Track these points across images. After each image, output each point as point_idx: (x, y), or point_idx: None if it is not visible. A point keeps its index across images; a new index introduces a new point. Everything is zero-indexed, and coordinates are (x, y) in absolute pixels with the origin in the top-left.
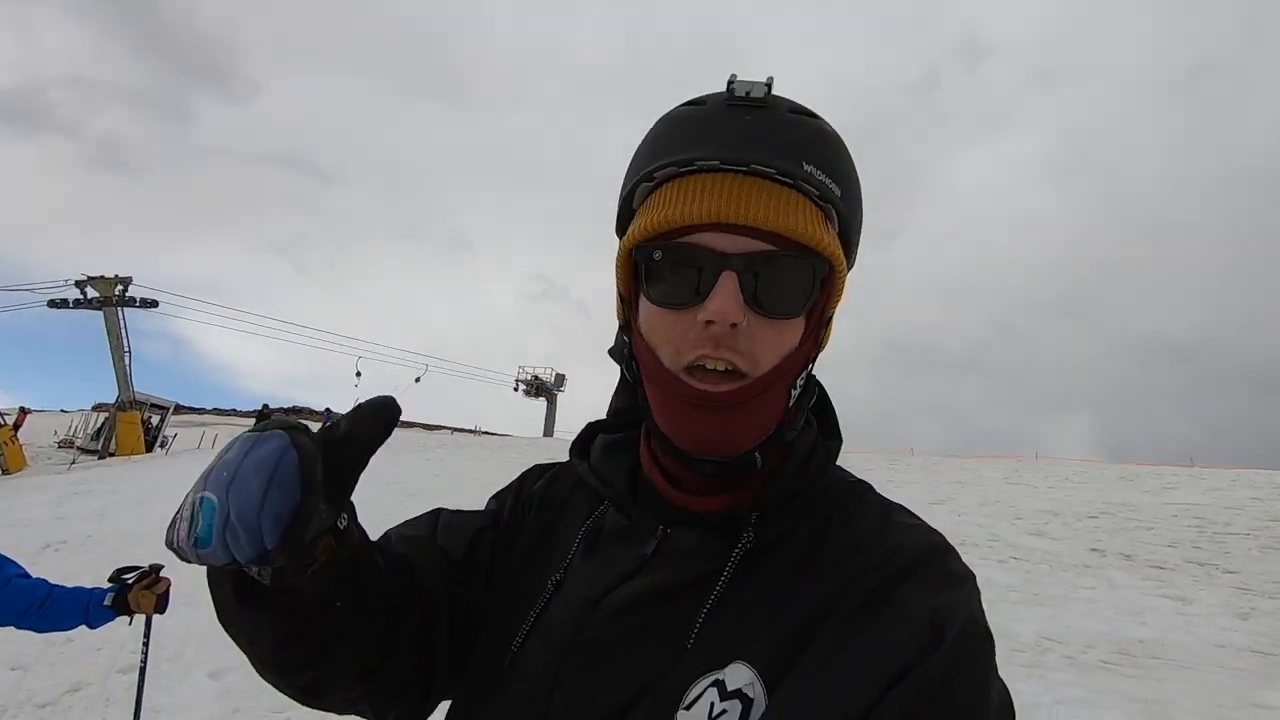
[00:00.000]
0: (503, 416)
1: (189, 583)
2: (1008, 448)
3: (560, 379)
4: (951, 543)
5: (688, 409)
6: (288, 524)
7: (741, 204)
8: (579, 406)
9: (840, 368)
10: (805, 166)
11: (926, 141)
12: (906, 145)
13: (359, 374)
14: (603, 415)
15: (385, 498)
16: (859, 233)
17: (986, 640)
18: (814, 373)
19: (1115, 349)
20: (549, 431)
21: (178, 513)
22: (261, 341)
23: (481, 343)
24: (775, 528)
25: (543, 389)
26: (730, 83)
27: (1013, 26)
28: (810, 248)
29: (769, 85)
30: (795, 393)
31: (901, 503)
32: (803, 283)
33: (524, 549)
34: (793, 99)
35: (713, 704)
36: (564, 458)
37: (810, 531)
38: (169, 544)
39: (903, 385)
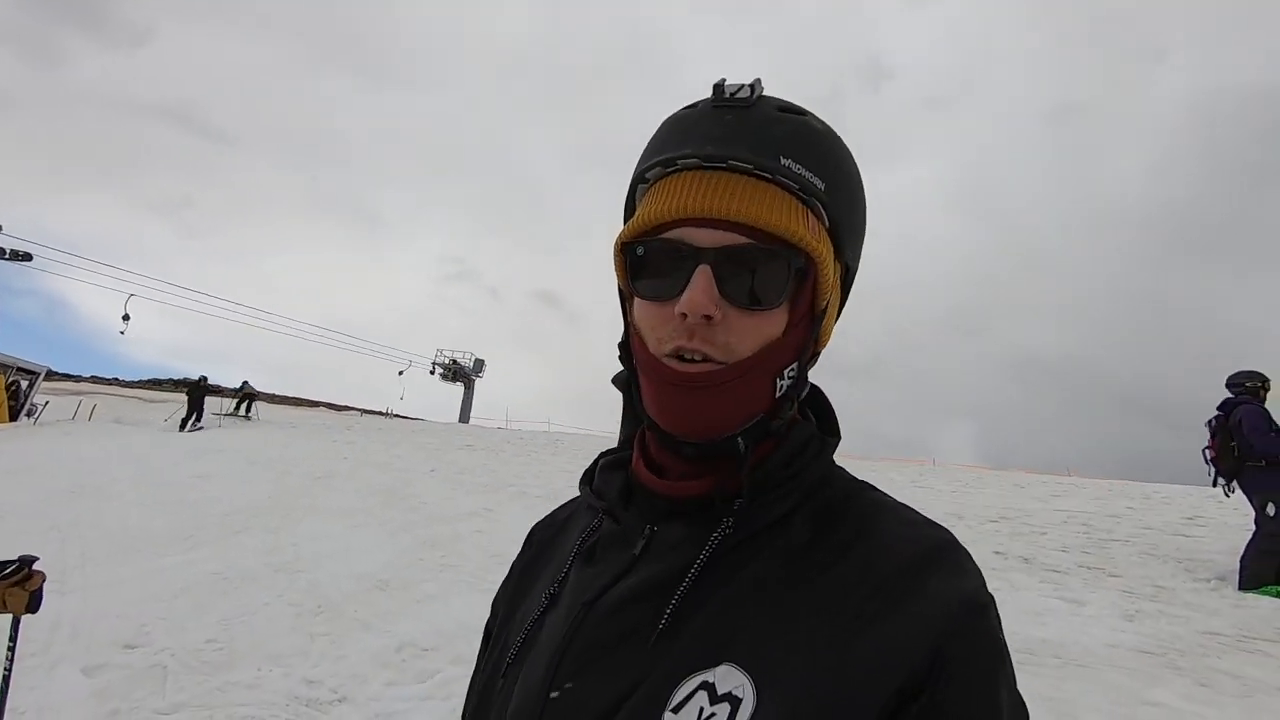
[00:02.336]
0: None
1: (56, 569)
2: (904, 452)
3: (479, 364)
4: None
5: (670, 389)
6: None
7: (717, 198)
8: (495, 394)
9: None
10: (783, 160)
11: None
12: None
13: (127, 317)
14: (516, 403)
15: (290, 481)
16: (857, 229)
17: (998, 648)
18: (810, 368)
19: (995, 363)
20: (465, 418)
21: None
22: (149, 306)
23: (392, 322)
24: (761, 515)
25: (460, 373)
26: (717, 85)
27: (909, 55)
28: (786, 240)
29: (753, 86)
30: (783, 383)
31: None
32: (776, 275)
33: (517, 579)
34: (785, 99)
35: (702, 709)
36: (481, 444)
37: (807, 524)
38: None
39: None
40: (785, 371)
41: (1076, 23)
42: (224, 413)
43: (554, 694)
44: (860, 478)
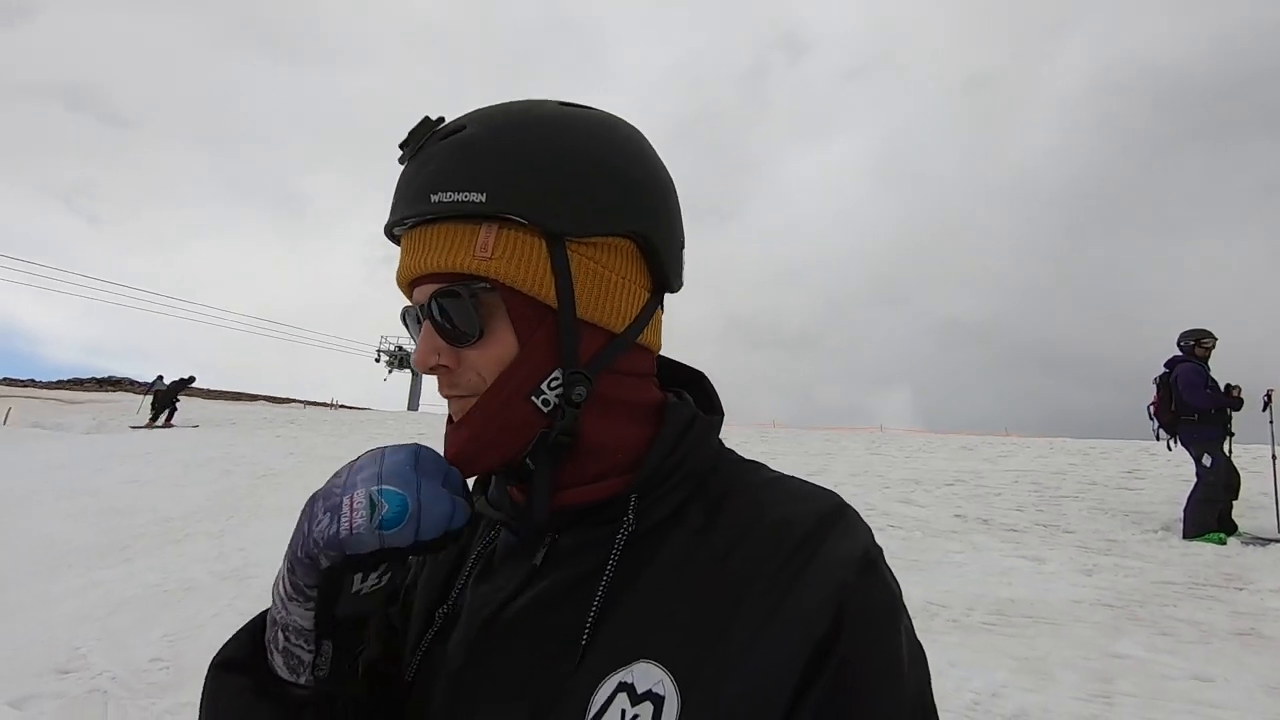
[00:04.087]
0: (353, 388)
1: None
2: (846, 420)
3: None
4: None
5: (447, 433)
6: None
7: (407, 259)
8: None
9: (687, 344)
10: (433, 198)
11: (761, 130)
12: (743, 131)
13: None
14: None
15: (233, 481)
16: (571, 195)
17: (892, 599)
18: (617, 354)
19: (923, 330)
20: (414, 405)
21: (332, 507)
22: (61, 301)
23: (327, 309)
24: (659, 508)
25: (407, 360)
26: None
27: (825, 26)
28: (453, 274)
29: (423, 126)
30: (546, 396)
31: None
32: (461, 308)
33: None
34: (458, 114)
35: (623, 710)
36: (434, 433)
37: (702, 511)
38: (326, 538)
39: (746, 360)
40: (543, 385)
41: None
42: (139, 425)
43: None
44: (760, 449)
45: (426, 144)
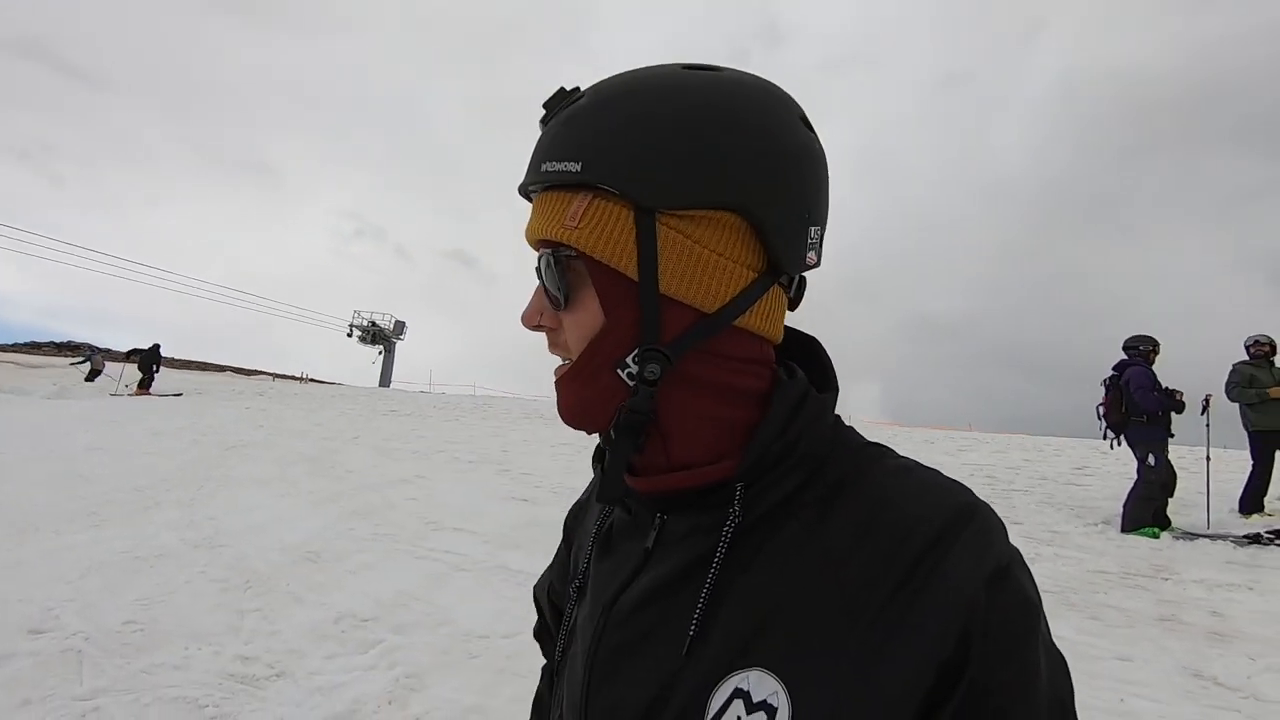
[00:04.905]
0: (325, 362)
1: None
2: None
3: (400, 326)
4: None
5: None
6: None
7: (529, 224)
8: (414, 357)
9: None
10: (543, 168)
11: None
12: None
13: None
14: (438, 366)
15: (202, 451)
16: (670, 163)
17: (1027, 611)
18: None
19: (894, 325)
20: (386, 381)
21: None
22: (18, 260)
23: (295, 281)
24: (769, 495)
25: (380, 336)
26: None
27: (804, 16)
28: (546, 241)
29: (556, 96)
30: (629, 371)
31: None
32: (552, 276)
33: (558, 572)
34: (588, 84)
35: (739, 717)
36: (405, 409)
37: (818, 500)
38: None
39: None
40: (628, 359)
41: None
42: (119, 394)
43: (591, 701)
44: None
45: (556, 113)
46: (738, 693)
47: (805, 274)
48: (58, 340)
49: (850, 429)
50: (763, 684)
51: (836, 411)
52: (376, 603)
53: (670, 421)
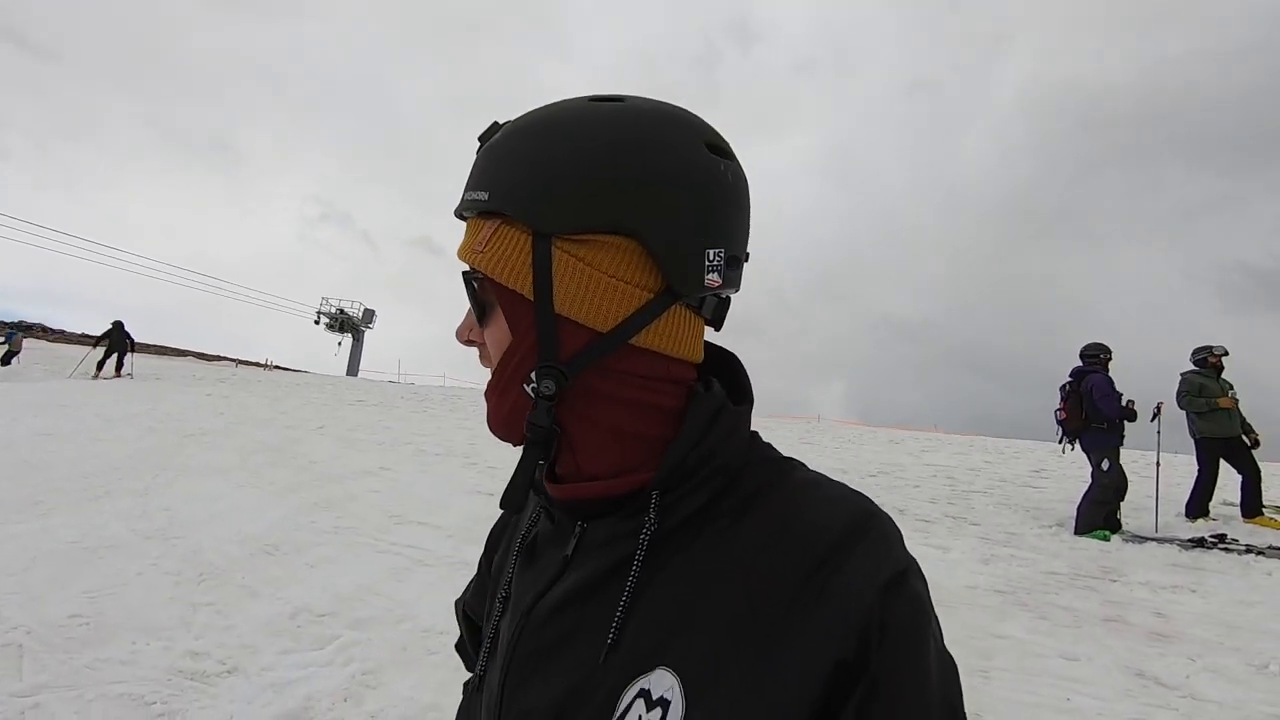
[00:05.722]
0: (289, 349)
1: None
2: (783, 409)
3: (369, 314)
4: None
5: None
6: None
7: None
8: (382, 345)
9: None
10: (466, 196)
11: (712, 119)
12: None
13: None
14: (407, 355)
15: (159, 438)
16: (556, 189)
17: (920, 614)
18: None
19: (861, 326)
20: (353, 370)
21: None
22: None
23: (259, 266)
24: (685, 504)
25: (348, 324)
26: None
27: (775, 14)
28: (466, 263)
29: (488, 130)
30: (530, 388)
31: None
32: (470, 292)
33: (479, 582)
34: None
35: (640, 717)
36: (372, 399)
37: (731, 510)
38: None
39: None
40: (531, 374)
41: None
42: (85, 376)
43: (506, 708)
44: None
45: (484, 145)
46: (641, 692)
47: (728, 294)
48: (8, 320)
49: (766, 444)
50: (662, 681)
51: (757, 429)
52: (335, 597)
53: (576, 434)
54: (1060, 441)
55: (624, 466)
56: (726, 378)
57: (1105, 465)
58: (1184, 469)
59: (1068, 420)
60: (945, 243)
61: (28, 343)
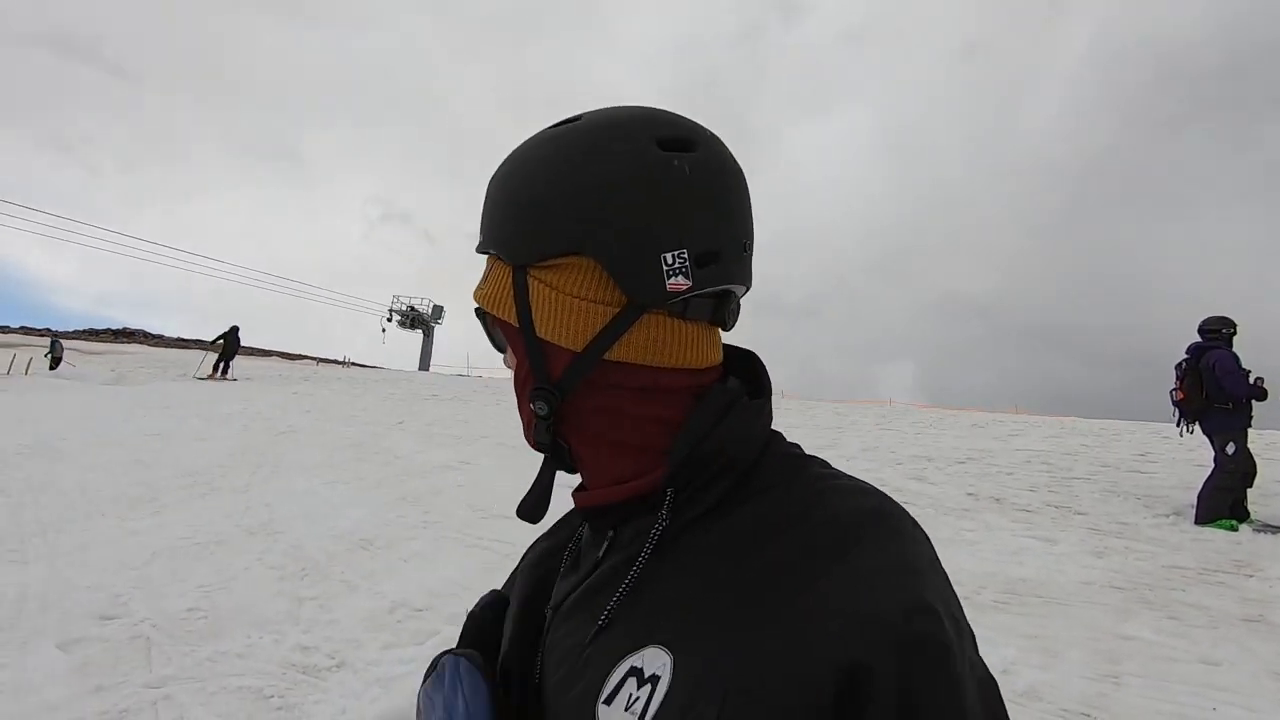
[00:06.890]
0: (365, 347)
1: (12, 536)
2: (848, 392)
3: (438, 310)
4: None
5: None
6: None
7: None
8: (448, 339)
9: None
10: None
11: (759, 100)
12: (741, 101)
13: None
14: (474, 349)
15: (253, 436)
16: (525, 225)
17: (936, 625)
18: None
19: (925, 304)
20: (425, 365)
21: None
22: (71, 250)
23: (329, 267)
24: (698, 501)
25: (419, 320)
26: None
27: None
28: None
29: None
30: (534, 406)
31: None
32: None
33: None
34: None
35: (631, 695)
36: (447, 393)
37: (745, 507)
38: None
39: (751, 328)
40: (529, 394)
41: None
42: (203, 376)
43: (546, 698)
44: (808, 451)
45: None
46: (632, 670)
47: (729, 290)
48: (114, 327)
49: (790, 443)
50: (655, 659)
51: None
52: (429, 592)
53: (579, 448)
54: (1178, 424)
55: (635, 475)
56: (746, 375)
57: (1231, 449)
58: None
59: (1186, 401)
60: (1012, 212)
61: (131, 347)
